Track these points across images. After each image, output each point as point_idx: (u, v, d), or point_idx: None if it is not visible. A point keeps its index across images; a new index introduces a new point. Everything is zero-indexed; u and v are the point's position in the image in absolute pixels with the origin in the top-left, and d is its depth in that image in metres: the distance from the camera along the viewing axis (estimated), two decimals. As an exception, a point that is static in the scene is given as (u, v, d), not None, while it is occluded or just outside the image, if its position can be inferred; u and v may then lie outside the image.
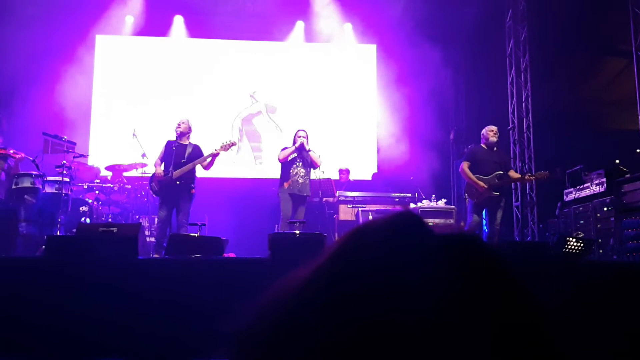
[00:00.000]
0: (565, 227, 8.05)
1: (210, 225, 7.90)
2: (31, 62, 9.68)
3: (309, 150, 7.23)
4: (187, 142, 7.13)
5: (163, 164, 7.01)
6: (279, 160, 7.26)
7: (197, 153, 7.06)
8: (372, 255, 0.60)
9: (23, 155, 7.22)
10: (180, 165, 6.86)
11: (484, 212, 7.11)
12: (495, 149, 7.11)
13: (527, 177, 7.43)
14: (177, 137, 7.10)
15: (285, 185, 7.13)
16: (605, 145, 8.32)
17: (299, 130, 7.38)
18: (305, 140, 7.25)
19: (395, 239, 0.61)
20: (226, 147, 7.07)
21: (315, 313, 0.58)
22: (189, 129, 7.19)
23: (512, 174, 7.16)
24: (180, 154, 6.95)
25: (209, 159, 6.99)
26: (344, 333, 0.56)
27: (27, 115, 9.40)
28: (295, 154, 7.20)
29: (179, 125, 7.12)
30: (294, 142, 7.28)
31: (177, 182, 6.81)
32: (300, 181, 7.12)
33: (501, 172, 6.93)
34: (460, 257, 0.60)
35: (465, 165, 7.03)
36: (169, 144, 7.11)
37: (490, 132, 7.12)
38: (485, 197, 6.85)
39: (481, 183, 6.82)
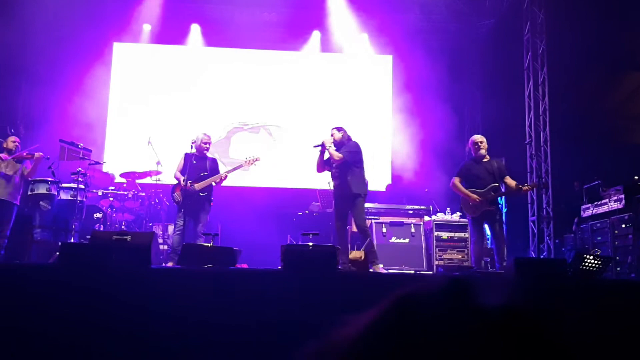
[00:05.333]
0: (582, 243, 7.92)
1: (223, 235, 7.89)
2: (49, 68, 9.79)
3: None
4: (205, 156, 7.33)
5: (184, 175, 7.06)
6: None
7: (214, 166, 7.32)
8: (418, 325, 0.60)
9: (34, 152, 6.92)
10: (202, 178, 7.05)
11: (485, 226, 6.83)
12: (485, 159, 6.75)
13: (524, 188, 7.02)
14: (198, 150, 7.23)
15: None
16: (624, 161, 8.20)
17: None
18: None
19: (443, 311, 0.61)
20: (250, 162, 7.34)
21: None
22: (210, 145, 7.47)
23: (509, 181, 6.73)
24: (201, 167, 7.15)
25: (231, 172, 7.23)
26: None
27: (44, 122, 9.49)
28: None
29: (207, 143, 7.32)
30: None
31: (201, 194, 7.02)
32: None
33: (496, 184, 6.62)
34: (504, 333, 0.60)
35: (456, 180, 6.74)
36: (187, 156, 7.18)
37: (474, 145, 6.78)
38: (482, 211, 6.57)
39: (474, 195, 6.55)
